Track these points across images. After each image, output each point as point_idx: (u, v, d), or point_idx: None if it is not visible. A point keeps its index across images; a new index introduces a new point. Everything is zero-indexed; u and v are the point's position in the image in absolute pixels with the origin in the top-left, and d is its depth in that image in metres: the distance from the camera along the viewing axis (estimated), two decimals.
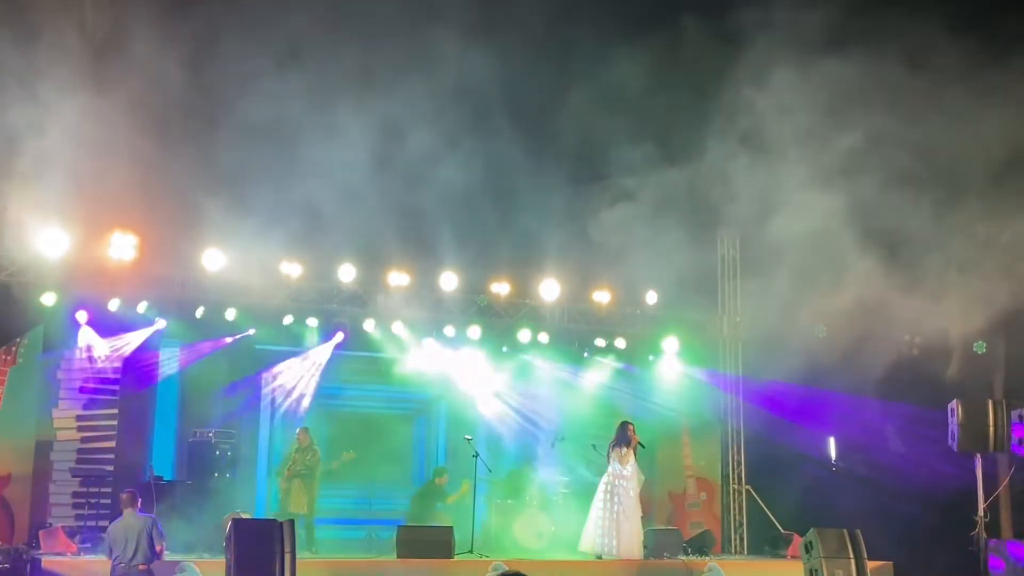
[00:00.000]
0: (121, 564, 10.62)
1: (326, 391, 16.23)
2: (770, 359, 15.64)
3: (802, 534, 12.67)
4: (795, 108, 13.77)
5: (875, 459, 16.12)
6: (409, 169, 14.40)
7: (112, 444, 14.66)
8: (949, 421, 12.99)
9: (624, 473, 13.80)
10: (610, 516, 13.68)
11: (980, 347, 14.97)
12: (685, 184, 14.69)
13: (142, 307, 14.46)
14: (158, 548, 10.74)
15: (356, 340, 15.96)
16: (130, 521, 10.76)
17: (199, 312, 14.72)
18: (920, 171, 13.56)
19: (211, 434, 14.58)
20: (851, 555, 11.75)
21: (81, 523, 13.66)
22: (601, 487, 13.93)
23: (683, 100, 14.85)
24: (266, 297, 14.93)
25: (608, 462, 14.01)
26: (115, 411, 14.79)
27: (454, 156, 14.42)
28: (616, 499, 13.70)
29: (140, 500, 11.06)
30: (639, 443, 14.01)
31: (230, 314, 14.87)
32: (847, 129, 13.83)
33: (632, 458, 13.91)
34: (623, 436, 13.99)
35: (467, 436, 15.22)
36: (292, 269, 14.92)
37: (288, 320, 15.33)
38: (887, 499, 15.22)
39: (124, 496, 11.06)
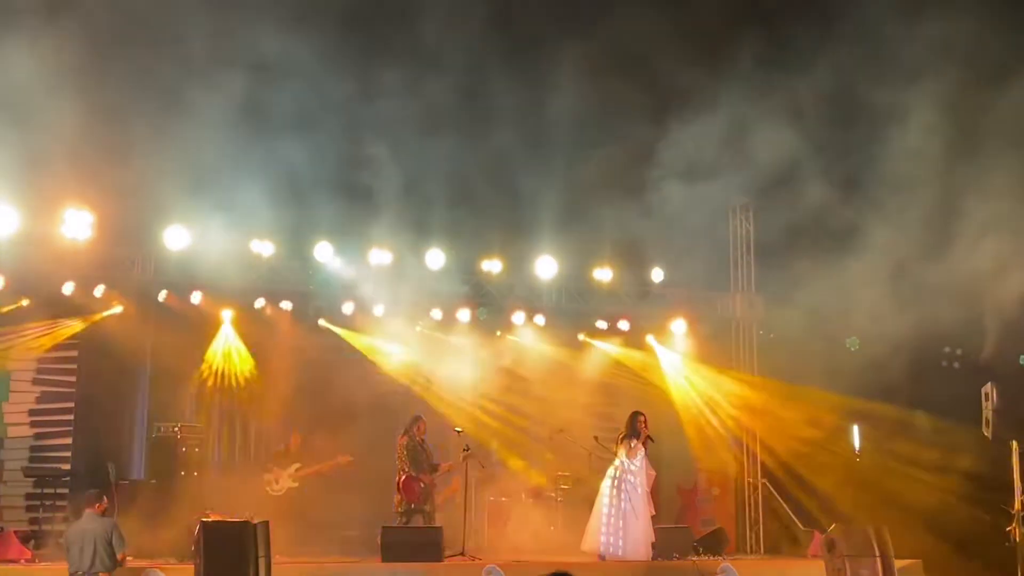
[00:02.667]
0: (79, 572, 10.56)
1: (303, 380, 16.19)
2: (788, 340, 15.62)
3: (823, 531, 12.67)
4: (816, 61, 13.74)
5: (901, 447, 16.11)
6: (391, 136, 14.32)
7: (69, 440, 14.62)
8: (983, 407, 12.98)
9: (632, 468, 13.77)
10: (616, 514, 13.64)
11: None
12: (694, 150, 14.63)
13: (99, 291, 14.38)
14: (119, 556, 10.67)
15: (335, 324, 15.91)
16: (88, 525, 10.68)
17: (162, 296, 14.65)
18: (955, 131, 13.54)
19: (176, 429, 14.53)
20: (877, 553, 11.75)
21: (36, 527, 13.60)
22: (607, 482, 13.88)
23: (690, 56, 14.78)
24: (235, 279, 14.84)
25: (616, 455, 13.98)
26: (71, 404, 14.74)
27: (440, 121, 14.34)
28: (624, 495, 13.67)
29: (104, 502, 10.99)
30: (649, 436, 13.98)
31: (196, 297, 14.80)
32: (881, 84, 13.79)
33: (642, 452, 13.87)
34: (632, 428, 13.95)
35: (457, 428, 15.17)
36: (264, 248, 14.84)
37: (260, 304, 15.27)
38: (915, 492, 15.22)
39: (87, 496, 11.00)
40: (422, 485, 14.24)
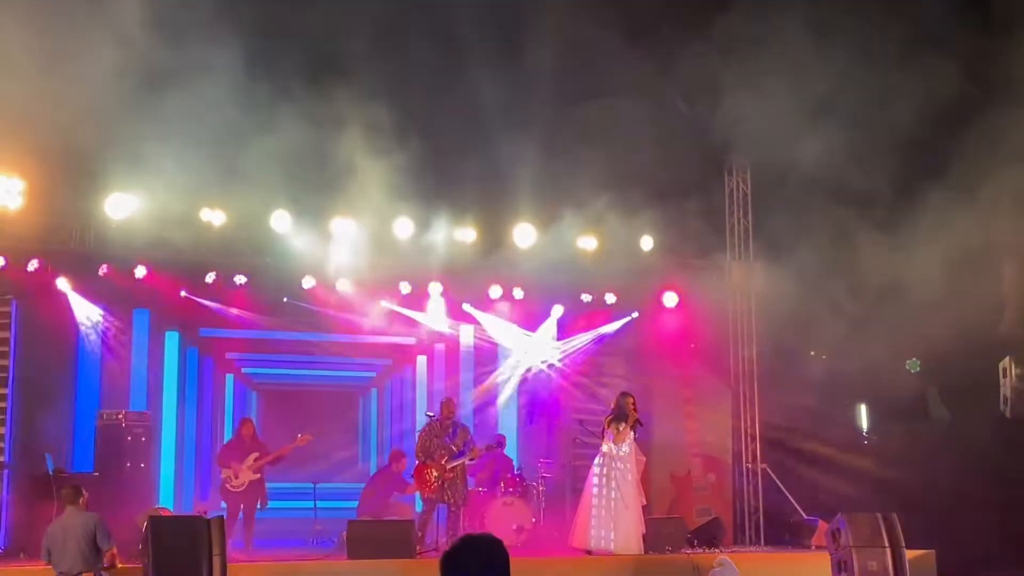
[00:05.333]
0: (61, 573, 10.45)
1: (262, 361, 16.18)
2: (789, 313, 15.59)
3: (828, 520, 12.68)
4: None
5: (914, 429, 16.16)
6: (352, 90, 14.14)
7: (3, 430, 14.49)
8: (1001, 383, 13.00)
9: (620, 454, 13.71)
10: (606, 505, 13.58)
11: None
12: (685, 104, 14.55)
13: (32, 265, 14.25)
14: (106, 554, 10.51)
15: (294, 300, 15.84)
16: (70, 521, 10.58)
17: (102, 270, 14.54)
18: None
19: (121, 416, 14.44)
20: (886, 543, 11.76)
21: None
22: (594, 471, 13.81)
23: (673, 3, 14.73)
24: (184, 251, 14.71)
25: (602, 441, 13.92)
26: (6, 392, 14.60)
27: (406, 73, 14.20)
28: (613, 484, 13.62)
29: (85, 495, 10.86)
30: (638, 420, 13.92)
31: (140, 271, 14.69)
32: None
33: (630, 436, 13.80)
34: (620, 410, 13.87)
35: (429, 413, 15.12)
36: (215, 217, 14.72)
37: (211, 278, 15.16)
38: (928, 477, 15.26)
39: (64, 491, 10.89)
40: (434, 474, 14.09)
